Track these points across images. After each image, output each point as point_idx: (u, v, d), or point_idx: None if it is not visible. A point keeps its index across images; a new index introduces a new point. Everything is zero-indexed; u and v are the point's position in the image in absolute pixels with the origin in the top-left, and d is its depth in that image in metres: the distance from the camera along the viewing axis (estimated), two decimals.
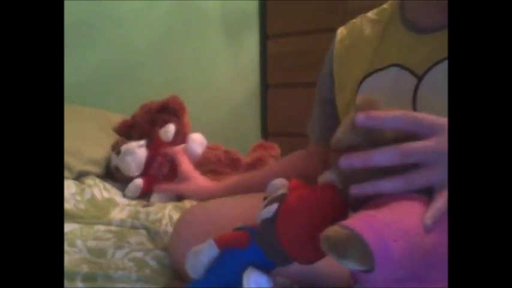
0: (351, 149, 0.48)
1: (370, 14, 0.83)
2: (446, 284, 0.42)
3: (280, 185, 0.55)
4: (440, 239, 0.42)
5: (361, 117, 0.47)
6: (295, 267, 0.55)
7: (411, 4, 0.74)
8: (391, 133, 0.47)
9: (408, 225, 0.42)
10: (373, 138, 0.47)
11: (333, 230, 0.41)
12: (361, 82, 0.76)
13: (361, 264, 0.40)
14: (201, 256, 0.56)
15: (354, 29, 0.83)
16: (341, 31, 0.85)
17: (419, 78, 0.69)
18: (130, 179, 1.27)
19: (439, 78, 0.66)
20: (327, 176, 0.53)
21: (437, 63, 0.67)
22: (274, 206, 0.52)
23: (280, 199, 0.52)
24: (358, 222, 0.41)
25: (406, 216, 0.42)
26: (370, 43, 0.78)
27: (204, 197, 0.91)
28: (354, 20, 0.85)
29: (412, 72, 0.70)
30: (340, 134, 0.51)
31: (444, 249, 0.42)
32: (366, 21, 0.82)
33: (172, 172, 1.28)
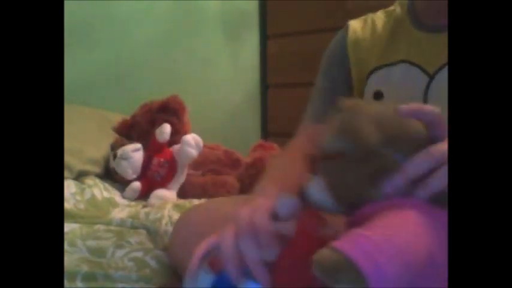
0: (338, 154, 0.48)
1: (379, 13, 0.83)
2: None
3: (290, 206, 0.53)
4: (436, 249, 0.42)
5: (405, 108, 0.47)
6: None
7: (419, 4, 0.75)
8: (377, 137, 0.47)
9: (401, 241, 0.41)
10: (361, 144, 0.47)
11: (324, 255, 0.41)
12: (369, 74, 0.76)
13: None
14: (198, 284, 0.56)
15: (365, 25, 0.83)
16: (353, 23, 0.84)
17: (431, 77, 0.69)
18: (128, 181, 1.27)
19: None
20: (315, 184, 0.51)
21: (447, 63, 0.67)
22: (276, 250, 0.51)
23: (283, 241, 0.51)
24: (349, 244, 0.41)
25: (399, 232, 0.42)
26: (379, 41, 0.78)
27: None
28: (363, 17, 0.85)
29: (422, 70, 0.70)
30: (328, 140, 0.50)
31: (441, 258, 0.42)
32: (376, 20, 0.82)
33: (170, 174, 1.28)
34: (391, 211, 0.45)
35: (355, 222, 0.47)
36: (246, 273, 0.55)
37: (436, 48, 0.70)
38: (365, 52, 0.79)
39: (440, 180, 0.44)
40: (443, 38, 0.68)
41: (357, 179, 0.47)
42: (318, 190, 0.50)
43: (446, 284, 0.41)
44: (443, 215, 0.44)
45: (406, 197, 0.46)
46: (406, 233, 0.42)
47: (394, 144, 0.47)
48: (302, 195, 0.52)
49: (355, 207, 0.48)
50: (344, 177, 0.48)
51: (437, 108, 0.47)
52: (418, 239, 0.42)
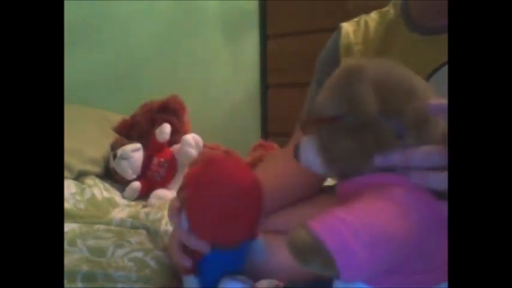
0: (333, 119, 0.46)
1: (373, 15, 0.82)
2: (426, 272, 0.42)
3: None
4: (414, 230, 0.41)
5: (434, 105, 0.43)
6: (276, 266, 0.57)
7: (415, 5, 0.74)
8: (377, 106, 0.44)
9: (379, 227, 0.40)
10: (359, 112, 0.44)
11: (298, 236, 0.40)
12: None
13: (326, 271, 0.39)
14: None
15: (358, 27, 0.82)
16: (346, 26, 0.83)
17: (425, 80, 0.69)
18: (128, 181, 1.27)
19: (445, 80, 0.65)
20: (308, 145, 0.49)
21: (443, 65, 0.67)
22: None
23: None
24: (325, 227, 0.40)
25: (378, 216, 0.40)
26: (373, 44, 0.78)
27: None
28: (356, 19, 0.84)
29: (417, 74, 0.70)
30: (323, 101, 0.48)
31: (418, 239, 0.41)
32: (369, 21, 0.81)
33: (170, 174, 1.28)
34: (378, 190, 0.43)
35: (342, 195, 0.47)
36: (228, 273, 0.57)
37: (431, 50, 0.69)
38: (358, 57, 0.79)
39: (442, 182, 0.43)
40: (438, 40, 0.68)
41: (351, 148, 0.45)
42: (310, 151, 0.49)
43: (435, 264, 0.41)
44: (431, 197, 0.43)
45: (395, 173, 0.44)
46: (386, 217, 0.40)
47: (396, 115, 0.44)
48: (296, 153, 0.51)
49: (345, 174, 0.47)
50: (337, 144, 0.46)
51: None
52: (400, 224, 0.41)
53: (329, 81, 0.49)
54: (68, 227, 0.90)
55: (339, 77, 0.47)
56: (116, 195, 1.22)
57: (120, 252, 0.80)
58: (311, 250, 0.39)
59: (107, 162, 1.30)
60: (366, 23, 0.81)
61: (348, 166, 0.46)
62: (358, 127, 0.45)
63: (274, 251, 0.67)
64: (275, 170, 0.79)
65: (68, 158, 1.15)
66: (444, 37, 0.66)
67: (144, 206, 1.14)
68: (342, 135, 0.46)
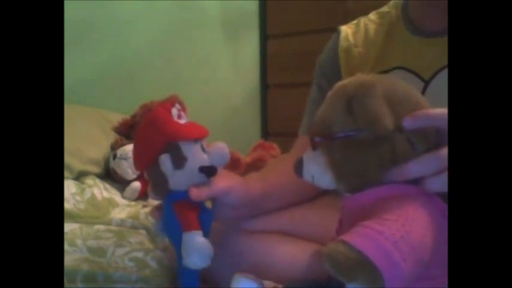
0: (347, 135, 0.45)
1: (372, 16, 0.82)
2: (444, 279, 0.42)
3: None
4: (440, 239, 0.42)
5: (409, 120, 0.44)
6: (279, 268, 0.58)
7: (416, 8, 0.73)
8: (392, 120, 0.44)
9: (415, 237, 0.41)
10: (376, 125, 0.44)
11: (340, 252, 0.40)
12: None
13: (371, 285, 0.39)
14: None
15: (358, 29, 0.82)
16: (345, 29, 0.84)
17: (426, 82, 0.69)
18: (128, 181, 1.26)
19: (446, 83, 0.65)
20: (314, 159, 0.49)
21: (444, 67, 0.67)
22: None
23: None
24: (367, 242, 0.40)
25: (412, 227, 0.41)
26: (373, 45, 0.77)
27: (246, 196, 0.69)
28: (355, 22, 0.84)
29: (418, 76, 0.70)
30: (334, 117, 0.47)
31: (442, 247, 0.42)
32: (369, 23, 0.81)
33: None
34: (401, 201, 0.44)
35: (351, 209, 0.47)
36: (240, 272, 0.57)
37: (432, 53, 0.69)
38: (358, 59, 0.78)
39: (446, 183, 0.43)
40: (440, 43, 0.68)
41: (368, 162, 0.45)
42: (316, 167, 0.49)
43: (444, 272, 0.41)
44: (440, 203, 0.45)
45: (407, 184, 0.45)
46: (418, 228, 0.41)
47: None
48: (298, 168, 0.50)
49: (357, 188, 0.47)
50: (352, 159, 0.46)
51: (444, 110, 0.44)
52: (428, 233, 0.42)
53: (336, 97, 0.48)
54: (68, 227, 0.90)
55: (349, 92, 0.47)
56: (116, 195, 1.22)
57: (120, 252, 0.80)
58: (357, 268, 0.39)
59: (107, 162, 1.29)
60: (366, 25, 0.81)
61: (361, 180, 0.46)
62: (374, 141, 0.45)
63: (274, 249, 0.67)
64: (280, 170, 0.80)
65: (68, 158, 1.15)
66: (445, 39, 0.66)
67: (144, 206, 1.14)
68: (357, 150, 0.46)
